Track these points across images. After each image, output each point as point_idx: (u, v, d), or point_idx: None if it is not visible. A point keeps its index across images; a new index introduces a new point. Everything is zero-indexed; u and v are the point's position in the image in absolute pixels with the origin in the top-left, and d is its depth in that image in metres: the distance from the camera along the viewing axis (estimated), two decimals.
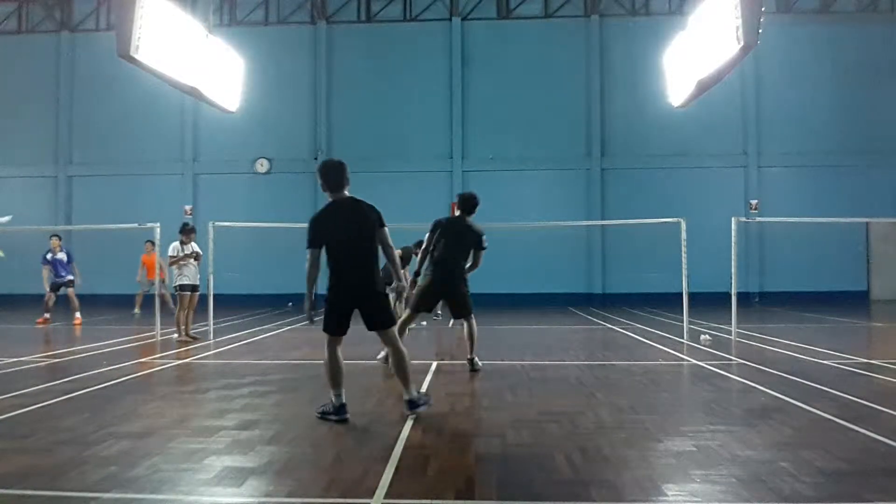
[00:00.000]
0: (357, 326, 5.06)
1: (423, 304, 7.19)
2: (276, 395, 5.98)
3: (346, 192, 5.05)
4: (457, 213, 7.36)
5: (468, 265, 7.18)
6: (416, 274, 7.37)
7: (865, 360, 7.81)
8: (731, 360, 7.98)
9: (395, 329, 5.10)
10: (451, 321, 12.87)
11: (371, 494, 3.29)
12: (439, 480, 3.57)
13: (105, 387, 6.30)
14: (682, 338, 9.86)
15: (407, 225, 11.56)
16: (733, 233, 9.90)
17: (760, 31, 6.44)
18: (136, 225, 10.80)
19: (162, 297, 11.55)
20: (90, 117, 20.85)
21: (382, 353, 7.34)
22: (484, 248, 7.16)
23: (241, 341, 10.22)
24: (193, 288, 10.20)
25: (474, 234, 7.12)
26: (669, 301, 14.52)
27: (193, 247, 10.23)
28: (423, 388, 6.14)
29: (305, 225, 5.00)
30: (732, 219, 9.98)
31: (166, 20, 7.40)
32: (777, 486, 3.39)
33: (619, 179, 20.09)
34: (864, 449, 4.08)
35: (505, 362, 7.82)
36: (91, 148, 20.92)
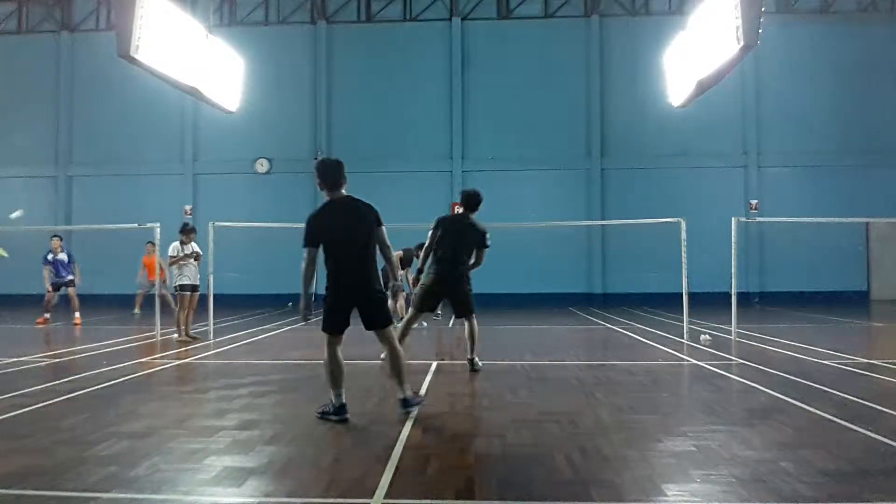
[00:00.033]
0: (357, 326, 5.06)
1: (426, 304, 7.17)
2: (276, 395, 5.98)
3: (344, 191, 5.05)
4: (459, 210, 7.29)
5: (471, 263, 7.16)
6: (419, 272, 7.35)
7: (865, 360, 7.80)
8: (731, 360, 7.97)
9: (392, 328, 5.10)
10: (452, 321, 12.87)
11: (371, 494, 3.29)
12: (439, 480, 3.57)
13: (105, 387, 6.30)
14: (683, 338, 9.85)
15: (407, 225, 11.56)
16: (733, 233, 9.90)
17: (760, 31, 6.45)
18: (136, 225, 10.80)
19: (162, 297, 11.54)
20: (90, 117, 20.86)
21: (385, 355, 7.32)
22: (487, 247, 7.13)
23: (241, 341, 10.22)
24: (193, 288, 10.20)
25: (478, 232, 7.08)
26: (669, 301, 14.52)
27: (193, 247, 10.23)
28: (423, 388, 6.14)
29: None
30: (732, 219, 9.97)
31: (166, 20, 7.41)
32: (777, 486, 3.38)
33: (619, 179, 20.09)
34: (864, 449, 4.08)
35: (505, 362, 7.82)
36: (91, 148, 20.93)
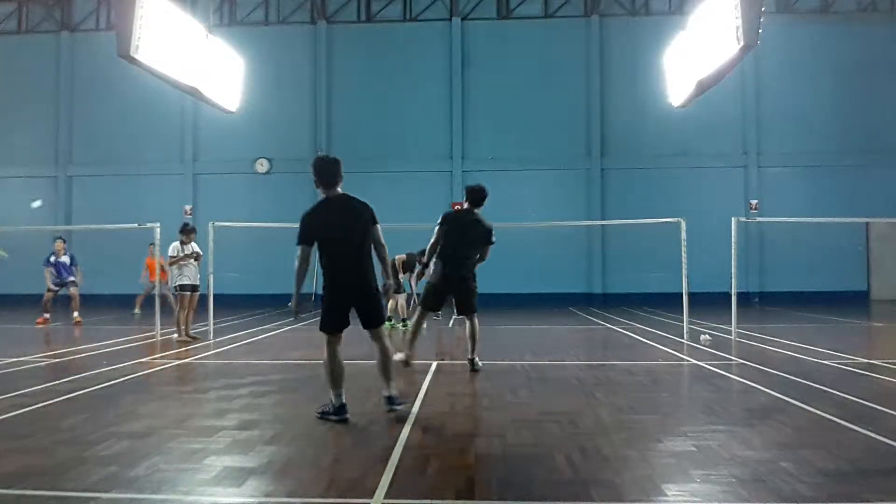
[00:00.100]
0: (357, 326, 5.07)
1: (433, 302, 7.15)
2: (276, 395, 5.98)
3: (340, 189, 5.05)
4: (465, 206, 7.23)
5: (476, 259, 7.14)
6: (424, 266, 7.31)
7: (865, 360, 7.81)
8: (731, 360, 7.97)
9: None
10: (452, 321, 12.87)
11: (371, 494, 3.29)
12: (439, 480, 3.58)
13: (105, 387, 6.30)
14: (683, 338, 9.85)
15: (407, 225, 11.57)
16: (733, 233, 9.90)
17: (760, 31, 6.45)
18: (136, 225, 10.79)
19: (163, 297, 11.54)
20: (90, 117, 20.86)
21: (400, 356, 7.23)
22: (492, 243, 7.13)
23: (241, 341, 10.21)
24: (193, 288, 10.20)
25: (484, 228, 7.07)
26: (669, 301, 14.52)
27: (193, 247, 10.22)
28: (423, 388, 6.15)
29: None
30: (732, 219, 9.97)
31: (166, 20, 7.41)
32: (777, 486, 3.39)
33: (618, 179, 20.09)
34: (864, 449, 4.08)
35: (505, 362, 7.82)
36: (91, 148, 20.93)
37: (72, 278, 13.64)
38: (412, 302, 12.46)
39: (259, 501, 3.30)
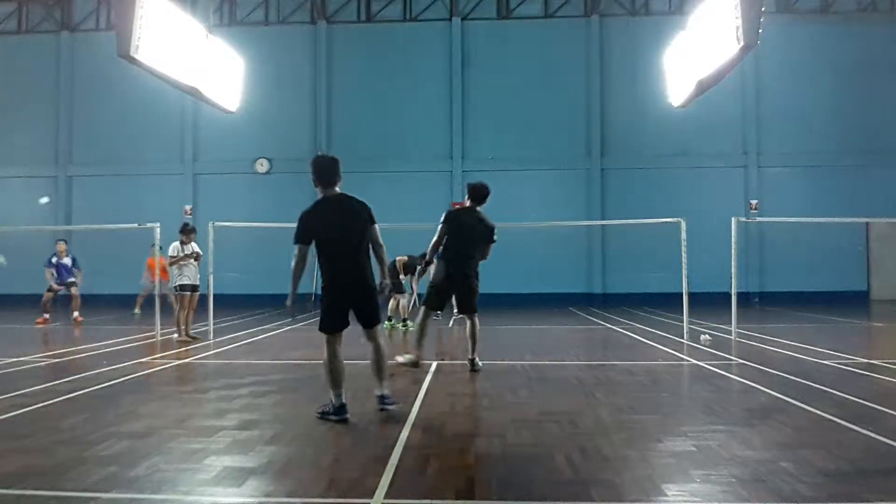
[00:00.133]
0: (356, 326, 5.07)
1: (436, 301, 7.14)
2: (276, 395, 5.98)
3: (338, 189, 5.05)
4: (467, 204, 7.21)
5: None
6: (427, 264, 7.29)
7: (865, 360, 7.81)
8: (731, 360, 7.97)
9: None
10: (452, 321, 12.87)
11: (371, 494, 3.29)
12: (439, 480, 3.58)
13: (105, 387, 6.30)
14: (683, 338, 9.85)
15: (407, 225, 11.57)
16: (733, 233, 9.90)
17: (760, 31, 6.45)
18: (136, 225, 10.80)
19: (163, 297, 11.53)
20: (90, 117, 20.86)
21: (402, 359, 7.20)
22: (494, 241, 7.14)
23: (241, 341, 10.21)
24: (193, 288, 10.20)
25: (486, 226, 7.07)
26: (669, 301, 14.52)
27: (193, 247, 10.22)
28: (423, 388, 6.14)
29: None
30: (732, 219, 9.97)
31: (166, 20, 7.41)
32: (777, 486, 3.39)
33: (618, 179, 20.09)
34: (864, 449, 4.08)
35: (505, 362, 7.82)
36: (91, 148, 20.93)
37: (72, 279, 13.68)
38: (412, 302, 12.47)
39: (259, 501, 3.30)
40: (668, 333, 10.72)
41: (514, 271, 18.05)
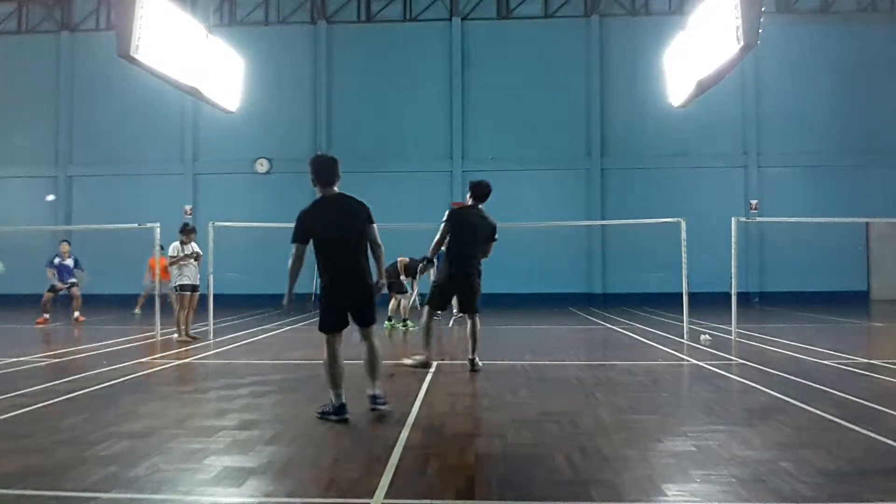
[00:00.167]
0: (353, 326, 5.07)
1: (439, 301, 7.13)
2: (276, 395, 5.98)
3: (336, 188, 5.06)
4: (469, 201, 7.19)
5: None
6: (429, 261, 7.27)
7: (865, 360, 7.81)
8: (731, 360, 7.97)
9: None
10: (451, 321, 12.87)
11: (371, 494, 3.29)
12: (439, 480, 3.58)
13: (105, 387, 6.30)
14: (683, 338, 9.85)
15: (407, 225, 11.57)
16: (733, 233, 9.90)
17: (760, 31, 6.45)
18: (136, 225, 10.80)
19: (164, 297, 11.53)
20: (90, 117, 20.86)
21: (410, 361, 7.16)
22: (496, 240, 7.15)
23: (241, 341, 10.22)
24: (193, 288, 10.21)
25: (489, 225, 7.08)
26: (669, 301, 14.52)
27: (193, 247, 10.22)
28: (423, 388, 6.14)
29: None
30: (732, 219, 9.97)
31: (166, 20, 7.41)
32: (777, 486, 3.39)
33: (618, 179, 20.09)
34: (864, 449, 4.08)
35: (505, 362, 7.82)
36: (91, 148, 20.92)
37: (72, 280, 13.68)
38: (413, 302, 12.45)
39: (259, 501, 3.30)
40: (668, 333, 10.72)
41: (514, 271, 18.05)
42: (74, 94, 20.93)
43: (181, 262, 10.05)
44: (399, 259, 11.74)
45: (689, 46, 8.38)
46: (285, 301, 5.04)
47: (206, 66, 8.60)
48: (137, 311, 15.21)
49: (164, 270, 11.66)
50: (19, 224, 18.68)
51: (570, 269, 19.80)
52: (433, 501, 3.22)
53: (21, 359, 8.15)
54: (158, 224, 10.59)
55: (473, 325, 7.14)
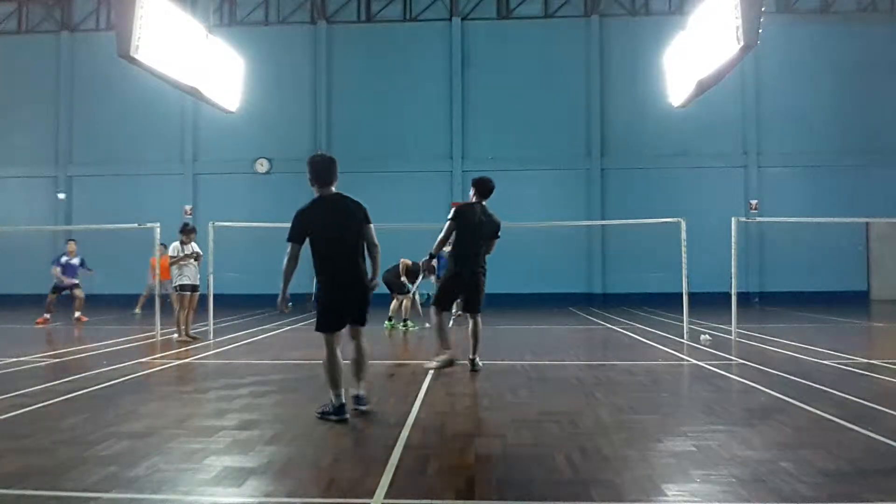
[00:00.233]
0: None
1: (447, 301, 7.12)
2: (276, 395, 5.98)
3: (333, 189, 5.06)
4: (473, 198, 7.16)
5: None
6: (432, 257, 7.26)
7: (866, 360, 7.80)
8: (731, 360, 7.97)
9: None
10: (451, 321, 12.86)
11: (371, 495, 3.29)
12: (439, 480, 3.58)
13: (105, 387, 6.30)
14: (682, 338, 9.85)
15: (407, 225, 11.57)
16: (733, 233, 9.90)
17: (760, 31, 6.45)
18: (135, 225, 10.80)
19: (164, 297, 11.53)
20: (90, 117, 20.86)
21: (434, 363, 7.05)
22: (499, 237, 7.17)
23: (241, 341, 10.21)
24: (193, 288, 10.21)
25: (494, 223, 7.09)
26: (669, 301, 14.52)
27: (193, 247, 10.22)
28: (424, 388, 6.14)
29: None
30: (732, 219, 9.97)
31: (166, 20, 7.41)
32: (777, 486, 3.38)
33: (618, 179, 20.10)
34: (864, 449, 4.08)
35: (505, 362, 7.82)
36: (91, 148, 20.93)
37: (75, 280, 13.67)
38: (413, 300, 12.44)
39: (259, 501, 3.30)
40: (668, 333, 10.72)
41: (514, 271, 18.03)
42: (74, 94, 20.93)
43: (181, 262, 10.05)
44: (402, 261, 11.76)
45: (689, 46, 8.38)
46: (280, 300, 5.04)
47: (206, 66, 8.60)
48: (138, 310, 15.21)
49: (165, 270, 11.67)
50: (19, 224, 18.69)
51: (570, 269, 19.80)
52: (433, 501, 3.22)
53: (21, 359, 8.15)
54: (158, 224, 10.60)
55: (475, 324, 7.13)
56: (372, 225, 5.08)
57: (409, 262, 11.82)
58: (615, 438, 4.34)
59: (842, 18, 20.02)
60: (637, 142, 19.97)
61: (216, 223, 10.89)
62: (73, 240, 14.15)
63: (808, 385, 6.17)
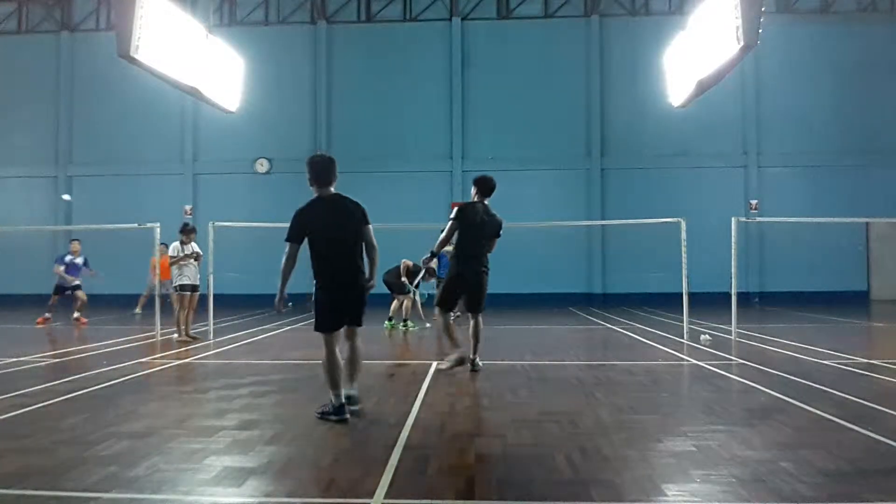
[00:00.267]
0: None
1: (450, 301, 7.11)
2: (276, 395, 5.98)
3: (332, 189, 5.06)
4: (475, 197, 7.16)
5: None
6: (433, 255, 7.25)
7: (865, 360, 7.80)
8: (731, 360, 7.97)
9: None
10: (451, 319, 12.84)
11: (371, 495, 3.29)
12: (439, 480, 3.57)
13: (105, 387, 6.30)
14: (683, 338, 9.85)
15: (407, 225, 11.57)
16: (733, 233, 9.90)
17: (760, 31, 6.45)
18: (135, 225, 10.80)
19: (164, 297, 11.54)
20: (90, 117, 20.86)
21: (445, 364, 7.04)
22: (500, 236, 7.18)
23: (241, 341, 10.21)
24: (193, 288, 10.20)
25: (496, 222, 7.10)
26: (669, 301, 14.52)
27: (194, 247, 10.22)
28: (424, 388, 6.14)
29: None
30: (732, 219, 9.97)
31: (166, 20, 7.41)
32: (777, 486, 3.39)
33: (618, 179, 20.09)
34: (864, 449, 4.08)
35: (505, 362, 7.82)
36: (91, 148, 20.93)
37: (77, 281, 13.66)
38: (413, 300, 12.44)
39: (259, 501, 3.30)
40: (668, 333, 10.72)
41: (514, 271, 18.00)
42: (74, 94, 20.93)
43: (181, 262, 10.05)
44: (403, 262, 11.78)
45: (689, 46, 8.38)
46: (277, 299, 5.04)
47: (206, 66, 8.60)
48: (138, 311, 15.21)
49: (165, 270, 11.67)
50: (19, 224, 18.68)
51: (570, 269, 19.80)
52: (433, 501, 3.22)
53: (21, 359, 8.15)
54: (158, 224, 10.60)
55: (476, 324, 7.13)
56: (370, 226, 5.08)
57: (410, 263, 11.83)
58: (615, 438, 4.34)
59: (842, 18, 20.02)
60: (637, 142, 19.97)
61: (216, 223, 10.89)
62: (76, 239, 14.14)
63: (808, 385, 6.18)
